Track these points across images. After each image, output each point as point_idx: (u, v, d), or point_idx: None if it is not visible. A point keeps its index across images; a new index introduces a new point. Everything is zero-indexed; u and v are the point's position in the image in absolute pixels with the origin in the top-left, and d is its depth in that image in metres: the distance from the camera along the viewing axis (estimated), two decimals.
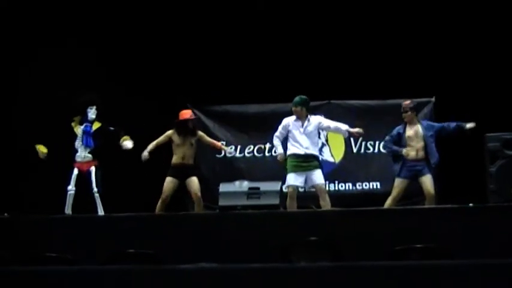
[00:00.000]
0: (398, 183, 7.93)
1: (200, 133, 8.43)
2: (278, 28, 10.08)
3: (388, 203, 7.87)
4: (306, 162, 7.91)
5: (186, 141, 8.14)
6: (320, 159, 8.18)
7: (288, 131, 8.05)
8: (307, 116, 8.05)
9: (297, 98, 8.08)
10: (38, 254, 5.26)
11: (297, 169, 7.90)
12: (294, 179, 7.87)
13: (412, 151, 7.92)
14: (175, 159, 8.14)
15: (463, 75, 9.78)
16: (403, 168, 7.93)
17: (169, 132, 8.19)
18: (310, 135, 8.00)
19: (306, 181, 7.94)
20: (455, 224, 6.03)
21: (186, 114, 8.28)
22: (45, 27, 9.82)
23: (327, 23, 10.06)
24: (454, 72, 9.84)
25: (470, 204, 7.14)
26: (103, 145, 8.23)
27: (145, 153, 8.12)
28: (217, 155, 10.53)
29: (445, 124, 8.12)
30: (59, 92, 9.24)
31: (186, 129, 8.16)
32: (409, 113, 8.03)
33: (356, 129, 8.13)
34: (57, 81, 9.54)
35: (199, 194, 8.04)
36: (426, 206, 7.89)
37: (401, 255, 4.77)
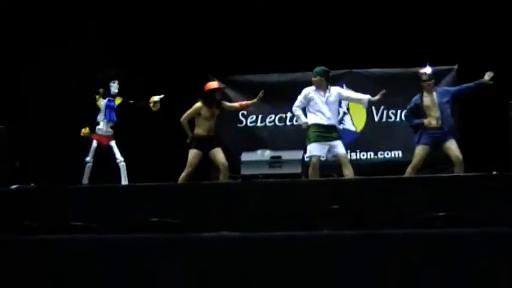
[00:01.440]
0: (419, 151, 7.80)
1: (224, 102, 8.32)
2: None
3: (409, 171, 7.76)
4: (328, 132, 7.87)
5: (213, 113, 8.01)
6: (340, 129, 8.08)
7: (309, 101, 7.95)
8: (327, 87, 8.01)
9: (317, 68, 8.01)
10: (64, 223, 5.34)
11: (320, 139, 7.83)
12: (317, 149, 7.81)
13: (433, 120, 7.79)
14: (200, 131, 7.95)
15: (486, 42, 9.65)
16: (423, 135, 7.81)
17: (198, 105, 7.95)
18: (332, 106, 7.95)
19: (328, 151, 7.92)
20: (479, 192, 6.00)
21: (213, 85, 8.17)
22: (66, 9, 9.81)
23: None
24: (476, 39, 9.72)
25: (494, 172, 7.10)
26: (125, 120, 8.25)
27: (191, 135, 7.93)
28: (239, 125, 10.55)
29: (463, 86, 8.00)
30: (81, 66, 9.26)
31: (213, 100, 7.99)
32: (432, 81, 7.88)
33: (377, 96, 8.03)
34: (79, 55, 9.56)
35: (226, 163, 7.90)
36: (449, 175, 7.85)
37: (424, 223, 4.76)
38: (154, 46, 10.07)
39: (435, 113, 7.81)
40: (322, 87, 7.96)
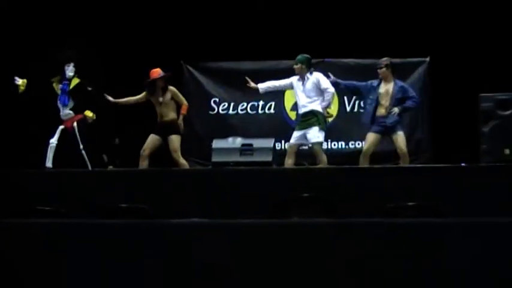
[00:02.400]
0: (369, 137, 8.00)
1: (173, 90, 8.25)
2: None
3: (361, 159, 7.89)
4: (303, 119, 8.00)
5: (160, 101, 8.12)
6: (322, 114, 8.05)
7: (292, 88, 8.18)
8: (307, 74, 8.02)
9: (299, 56, 8.07)
10: (30, 207, 5.26)
11: (297, 127, 8.06)
12: (292, 137, 8.00)
13: (382, 108, 7.94)
14: (158, 117, 8.17)
15: (458, 35, 9.73)
16: (374, 123, 7.98)
17: (142, 94, 8.26)
18: (309, 92, 8.01)
19: (304, 138, 7.97)
20: (448, 183, 6.05)
21: (155, 73, 8.18)
22: None
23: None
24: (448, 32, 9.79)
25: (463, 164, 7.17)
26: (81, 103, 8.14)
27: (110, 98, 8.25)
28: (211, 112, 10.51)
29: (412, 98, 8.02)
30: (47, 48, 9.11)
31: (156, 89, 8.14)
32: (384, 69, 7.99)
33: (329, 113, 8.22)
34: (44, 36, 9.40)
35: (175, 154, 7.99)
36: (419, 165, 7.93)
37: (393, 212, 4.79)
38: (126, 31, 9.97)
39: (386, 102, 7.93)
40: (302, 75, 8.00)
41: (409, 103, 7.99)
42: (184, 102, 8.27)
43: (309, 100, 7.97)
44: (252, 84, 8.31)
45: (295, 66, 8.06)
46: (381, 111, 7.94)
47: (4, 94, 9.47)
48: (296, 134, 7.98)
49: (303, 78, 8.03)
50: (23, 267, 3.90)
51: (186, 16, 10.11)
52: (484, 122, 7.81)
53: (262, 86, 8.29)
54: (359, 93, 8.50)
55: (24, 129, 9.42)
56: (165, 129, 8.11)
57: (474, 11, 9.66)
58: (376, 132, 7.97)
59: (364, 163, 7.81)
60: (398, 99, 7.95)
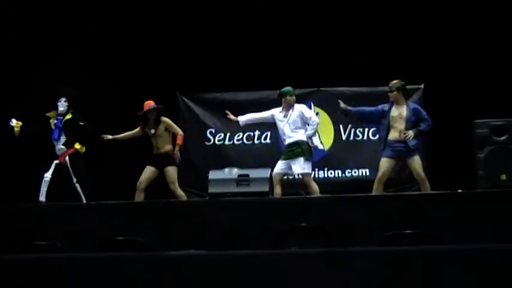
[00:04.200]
0: (383, 163, 7.73)
1: (166, 121, 8.24)
2: (267, 15, 10.04)
3: (375, 185, 7.69)
4: (289, 150, 8.02)
5: (152, 132, 8.15)
6: (307, 144, 8.06)
7: (275, 122, 8.17)
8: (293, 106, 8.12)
9: (289, 88, 8.09)
10: (27, 243, 5.24)
11: (281, 157, 8.04)
12: (276, 166, 8.01)
13: (395, 132, 7.71)
14: (154, 149, 8.19)
15: (452, 62, 9.79)
16: (387, 148, 7.75)
17: (137, 129, 8.31)
18: (295, 123, 8.03)
19: (290, 168, 7.99)
20: (445, 210, 6.04)
21: (146, 106, 8.21)
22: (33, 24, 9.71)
23: (316, 9, 10.03)
24: (442, 59, 9.85)
25: (459, 190, 7.16)
26: (74, 138, 8.16)
27: (108, 136, 8.29)
28: (207, 143, 10.52)
29: (426, 120, 7.80)
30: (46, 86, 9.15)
31: (148, 121, 8.19)
32: (395, 92, 7.78)
33: (314, 143, 8.22)
34: (43, 74, 9.44)
35: (172, 185, 8.03)
36: (415, 193, 7.90)
37: (391, 241, 4.77)
38: (122, 63, 10.01)
39: (400, 125, 7.73)
40: (291, 106, 8.09)
41: (423, 126, 7.71)
42: (180, 132, 8.28)
43: (295, 130, 8.00)
44: (232, 117, 8.34)
45: (290, 98, 8.06)
46: (394, 135, 7.70)
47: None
48: (280, 164, 7.98)
49: (289, 110, 8.06)
50: None
51: (181, 48, 10.16)
52: (479, 148, 7.81)
53: (242, 119, 8.34)
54: (371, 119, 8.17)
55: (18, 164, 9.41)
56: (161, 161, 8.11)
57: (468, 37, 9.73)
58: (390, 157, 7.71)
59: (378, 190, 7.60)
60: (413, 121, 7.73)
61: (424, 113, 7.87)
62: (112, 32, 10.01)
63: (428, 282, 3.57)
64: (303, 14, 10.06)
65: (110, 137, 8.36)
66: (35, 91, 9.41)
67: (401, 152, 7.71)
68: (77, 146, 8.15)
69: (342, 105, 8.06)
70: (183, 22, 10.11)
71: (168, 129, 8.22)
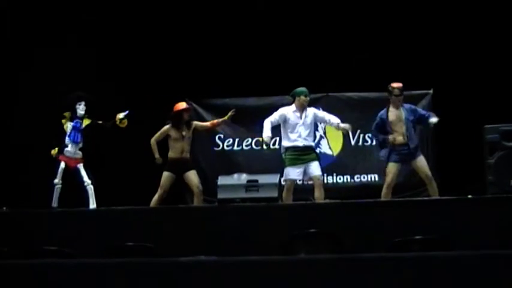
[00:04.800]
0: (390, 168, 7.73)
1: (195, 123, 8.32)
2: (276, 21, 10.06)
3: (384, 191, 7.69)
4: (304, 154, 7.88)
5: (184, 135, 8.05)
6: (318, 151, 8.08)
7: (285, 121, 7.95)
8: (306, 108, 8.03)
9: (303, 88, 7.98)
10: (37, 248, 5.25)
11: (296, 162, 7.85)
12: (292, 173, 7.84)
13: (399, 136, 7.72)
14: (173, 153, 8.03)
15: (461, 67, 9.76)
16: (392, 153, 7.75)
17: (166, 127, 8.06)
18: (309, 126, 7.97)
19: (304, 173, 7.91)
20: (454, 215, 6.02)
21: (181, 105, 8.21)
22: (43, 24, 9.75)
23: (325, 15, 10.04)
24: (452, 64, 9.83)
25: (469, 196, 7.14)
26: (93, 142, 8.19)
27: (157, 157, 8.02)
28: (215, 148, 10.54)
29: (426, 114, 7.90)
30: (55, 88, 9.19)
31: (182, 121, 8.07)
32: (402, 96, 7.78)
33: (344, 125, 8.02)
34: (54, 78, 9.49)
35: (201, 187, 8.00)
36: (425, 198, 7.87)
37: (400, 246, 4.76)
38: (130, 69, 10.04)
39: (401, 128, 7.74)
40: (305, 108, 7.96)
41: (427, 114, 7.85)
42: (213, 121, 8.49)
43: (310, 134, 7.95)
44: (265, 139, 7.93)
45: (305, 99, 7.93)
46: (398, 138, 7.72)
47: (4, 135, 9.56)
48: (297, 170, 7.82)
49: (302, 112, 7.98)
50: None
51: (190, 54, 10.19)
52: (489, 153, 7.79)
53: (268, 134, 7.97)
54: (386, 131, 7.86)
55: (24, 169, 9.45)
56: (183, 165, 8.02)
57: (477, 42, 9.71)
58: (396, 161, 7.73)
59: (387, 195, 7.62)
60: (412, 121, 7.77)
61: (419, 108, 8.02)
62: (121, 38, 10.05)
63: None
64: (312, 20, 10.07)
65: (158, 156, 8.05)
66: (35, 91, 9.46)
67: (406, 155, 7.74)
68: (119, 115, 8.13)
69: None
70: (192, 28, 10.14)
71: (198, 129, 8.24)
